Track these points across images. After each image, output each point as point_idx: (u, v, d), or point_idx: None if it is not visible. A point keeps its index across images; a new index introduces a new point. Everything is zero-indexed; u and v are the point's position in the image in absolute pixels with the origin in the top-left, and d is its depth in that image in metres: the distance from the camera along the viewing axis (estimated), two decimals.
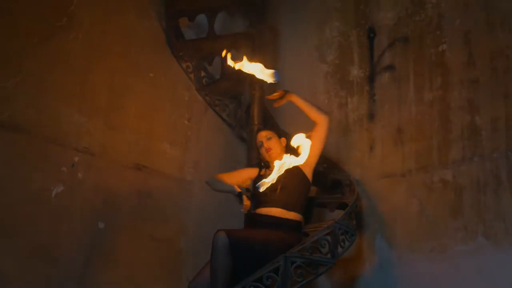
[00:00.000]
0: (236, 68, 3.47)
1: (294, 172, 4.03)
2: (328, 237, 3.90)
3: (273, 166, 4.13)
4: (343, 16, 5.18)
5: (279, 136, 4.28)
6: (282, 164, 3.43)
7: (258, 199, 4.09)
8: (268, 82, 3.48)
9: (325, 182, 4.62)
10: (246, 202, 3.92)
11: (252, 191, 4.21)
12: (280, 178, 3.95)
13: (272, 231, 3.94)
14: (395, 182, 4.52)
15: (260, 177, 4.15)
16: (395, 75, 4.73)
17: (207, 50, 5.06)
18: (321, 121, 4.16)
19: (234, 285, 3.65)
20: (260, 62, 4.81)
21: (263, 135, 4.25)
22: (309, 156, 3.63)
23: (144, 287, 4.50)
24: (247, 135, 4.99)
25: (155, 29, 4.99)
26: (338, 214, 4.29)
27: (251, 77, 3.56)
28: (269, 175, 4.02)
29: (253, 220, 4.12)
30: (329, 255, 3.87)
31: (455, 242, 4.12)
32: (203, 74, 5.15)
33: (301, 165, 4.04)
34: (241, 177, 4.31)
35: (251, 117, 4.78)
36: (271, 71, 3.45)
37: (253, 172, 4.33)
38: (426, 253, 4.23)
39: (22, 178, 4.02)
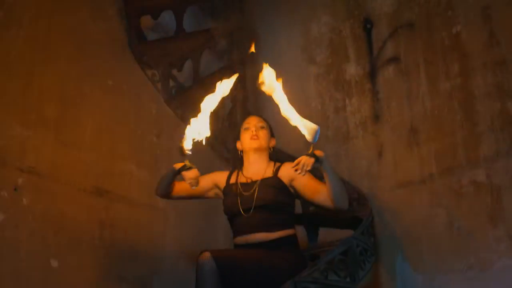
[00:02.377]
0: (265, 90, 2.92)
1: (271, 185, 3.23)
2: (345, 257, 3.07)
3: (248, 167, 3.37)
4: (331, 9, 4.50)
5: (272, 135, 3.46)
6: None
7: (236, 224, 3.27)
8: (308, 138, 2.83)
9: None
10: (191, 175, 3.12)
11: (225, 208, 3.36)
12: (255, 196, 3.17)
13: (266, 250, 3.09)
14: (414, 191, 3.75)
15: (229, 186, 3.35)
16: (402, 68, 4.02)
17: (176, 53, 4.26)
18: (329, 203, 3.12)
19: None
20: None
21: (254, 120, 3.41)
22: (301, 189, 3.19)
23: None
24: (229, 153, 4.18)
25: (113, 29, 4.18)
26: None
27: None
28: (242, 181, 3.27)
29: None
30: (348, 279, 3.04)
31: (498, 255, 3.34)
32: (172, 84, 4.33)
33: (281, 175, 3.26)
34: (207, 180, 3.42)
35: (233, 128, 3.96)
36: (314, 126, 2.83)
37: (221, 177, 3.45)
38: (463, 273, 3.44)
39: None
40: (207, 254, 2.90)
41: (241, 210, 3.19)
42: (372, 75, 4.14)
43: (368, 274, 3.25)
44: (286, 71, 4.54)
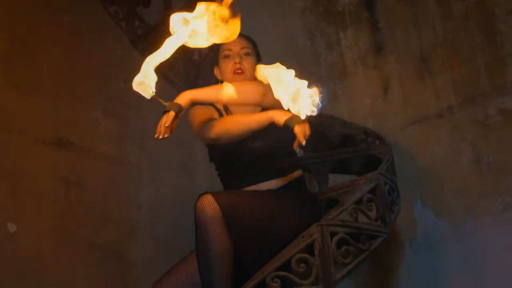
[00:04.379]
0: None
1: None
2: (373, 196, 2.57)
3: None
4: None
5: (258, 60, 2.76)
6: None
7: (229, 178, 2.66)
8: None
9: (329, 142, 3.26)
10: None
11: (216, 161, 2.72)
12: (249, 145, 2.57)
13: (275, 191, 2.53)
14: (431, 127, 3.28)
15: None
16: None
17: None
18: None
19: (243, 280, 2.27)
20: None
21: (237, 45, 2.69)
22: None
23: None
24: None
25: None
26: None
27: None
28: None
29: None
30: (379, 222, 2.53)
31: None
32: (137, 23, 3.74)
33: None
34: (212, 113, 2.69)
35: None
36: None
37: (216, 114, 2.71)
38: (497, 214, 2.96)
39: None
40: (208, 197, 2.30)
41: (236, 163, 2.62)
42: (369, 2, 3.64)
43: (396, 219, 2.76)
44: (268, 11, 4.05)
